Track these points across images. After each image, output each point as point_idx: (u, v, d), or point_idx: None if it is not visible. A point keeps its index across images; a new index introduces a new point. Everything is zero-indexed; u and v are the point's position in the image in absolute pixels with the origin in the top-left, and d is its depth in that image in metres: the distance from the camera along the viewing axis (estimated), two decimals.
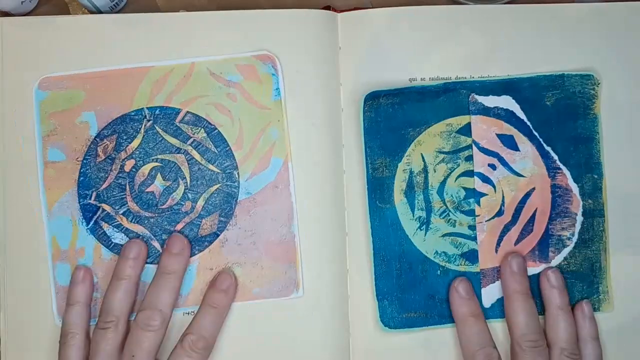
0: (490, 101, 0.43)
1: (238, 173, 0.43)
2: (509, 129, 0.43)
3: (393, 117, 0.43)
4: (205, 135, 0.43)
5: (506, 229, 0.43)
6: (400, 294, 0.43)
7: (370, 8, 0.44)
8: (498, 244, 0.43)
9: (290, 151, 0.43)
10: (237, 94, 0.43)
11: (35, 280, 0.42)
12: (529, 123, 0.43)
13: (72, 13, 0.45)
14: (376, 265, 0.43)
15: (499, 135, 0.43)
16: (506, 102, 0.43)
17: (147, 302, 0.40)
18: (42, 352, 0.42)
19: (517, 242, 0.43)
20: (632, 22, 0.44)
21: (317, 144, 0.43)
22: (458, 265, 0.43)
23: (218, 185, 0.43)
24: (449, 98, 0.43)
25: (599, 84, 0.43)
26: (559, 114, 0.43)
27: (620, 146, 0.43)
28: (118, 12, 0.45)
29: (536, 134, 0.43)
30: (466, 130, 0.43)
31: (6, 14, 0.44)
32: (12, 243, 0.42)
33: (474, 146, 0.43)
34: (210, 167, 0.43)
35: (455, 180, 0.43)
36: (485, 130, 0.43)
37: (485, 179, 0.43)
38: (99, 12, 0.44)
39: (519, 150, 0.43)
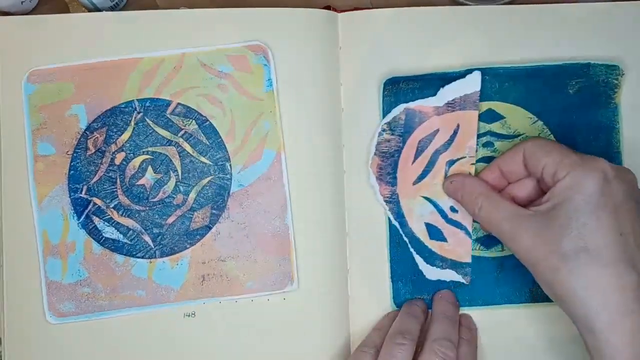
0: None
1: (230, 165, 0.42)
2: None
3: (413, 102, 0.43)
4: (196, 127, 0.42)
5: None
6: (415, 276, 0.43)
7: (370, 8, 0.43)
8: None
9: (283, 143, 0.42)
10: (229, 85, 0.42)
11: (26, 275, 0.42)
12: None
13: (72, 13, 0.45)
14: (391, 247, 0.43)
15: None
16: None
17: (441, 332, 0.39)
18: (32, 347, 0.41)
19: None
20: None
21: (314, 138, 0.42)
22: (473, 250, 0.43)
23: (210, 178, 0.42)
24: None
25: (623, 74, 0.43)
26: (581, 102, 0.43)
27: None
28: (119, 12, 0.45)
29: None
30: (485, 116, 0.43)
31: (6, 13, 0.44)
32: (3, 237, 0.42)
33: None
34: (202, 159, 0.42)
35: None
36: None
37: None
38: (99, 11, 0.44)
39: None
